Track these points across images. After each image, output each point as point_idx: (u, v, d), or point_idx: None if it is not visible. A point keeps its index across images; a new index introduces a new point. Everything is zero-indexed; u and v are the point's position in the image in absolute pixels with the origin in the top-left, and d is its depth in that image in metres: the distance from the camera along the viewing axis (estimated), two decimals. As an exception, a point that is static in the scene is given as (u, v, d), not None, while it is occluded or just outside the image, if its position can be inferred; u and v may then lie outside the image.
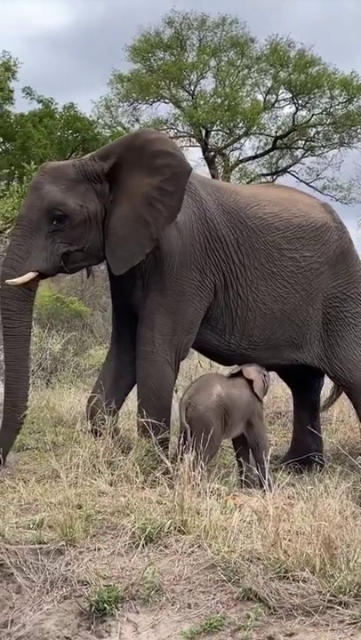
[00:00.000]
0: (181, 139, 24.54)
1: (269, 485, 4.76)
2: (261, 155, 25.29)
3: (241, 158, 25.29)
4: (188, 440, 5.18)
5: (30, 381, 8.73)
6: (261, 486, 4.95)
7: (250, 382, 5.61)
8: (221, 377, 5.81)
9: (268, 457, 5.32)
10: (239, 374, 5.68)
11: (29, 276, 5.48)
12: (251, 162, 25.45)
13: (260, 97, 24.42)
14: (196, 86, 24.07)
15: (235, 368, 5.83)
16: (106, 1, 41.87)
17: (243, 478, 5.44)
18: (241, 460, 5.62)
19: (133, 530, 4.18)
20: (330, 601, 3.56)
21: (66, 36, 39.75)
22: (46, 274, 5.68)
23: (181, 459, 4.80)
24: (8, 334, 5.63)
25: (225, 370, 6.56)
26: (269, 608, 3.57)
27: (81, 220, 5.56)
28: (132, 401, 6.43)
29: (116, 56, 39.56)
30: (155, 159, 5.57)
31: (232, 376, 5.72)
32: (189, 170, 5.70)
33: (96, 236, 5.64)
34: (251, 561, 3.85)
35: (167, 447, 5.50)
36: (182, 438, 5.28)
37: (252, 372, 5.68)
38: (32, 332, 10.16)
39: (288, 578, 3.71)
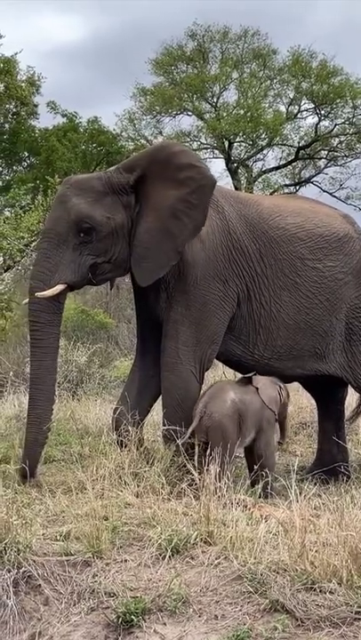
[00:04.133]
0: (205, 150, 24.63)
1: (273, 491, 4.87)
2: (284, 165, 25.29)
3: (264, 169, 25.32)
4: (203, 448, 5.23)
5: (57, 393, 8.84)
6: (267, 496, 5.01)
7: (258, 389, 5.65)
8: (233, 384, 5.83)
9: (275, 464, 5.33)
10: (249, 381, 5.70)
11: (59, 288, 5.50)
12: (274, 172, 25.48)
13: (282, 108, 24.49)
14: (218, 98, 24.17)
15: (244, 375, 5.84)
16: (120, 15, 42.23)
17: (269, 489, 5.42)
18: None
19: (160, 541, 4.18)
20: (357, 612, 3.54)
21: (81, 50, 40.11)
22: (75, 286, 5.71)
23: (207, 470, 4.79)
24: (37, 346, 5.63)
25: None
26: (296, 619, 3.56)
27: (108, 231, 5.59)
28: (157, 412, 6.45)
29: (132, 69, 39.91)
30: (180, 172, 5.60)
31: (241, 382, 5.74)
32: (214, 182, 5.72)
33: (123, 248, 5.66)
34: (277, 572, 3.84)
35: (193, 458, 5.50)
36: (197, 447, 5.30)
37: (261, 380, 5.70)
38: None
39: (315, 589, 3.70)
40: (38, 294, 5.46)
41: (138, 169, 5.66)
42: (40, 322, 5.59)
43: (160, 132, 24.40)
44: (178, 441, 5.30)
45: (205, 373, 5.96)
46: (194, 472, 5.00)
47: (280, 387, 5.81)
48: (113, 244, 5.63)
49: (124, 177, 5.67)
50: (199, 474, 4.96)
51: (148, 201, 5.65)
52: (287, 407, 6.02)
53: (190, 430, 5.34)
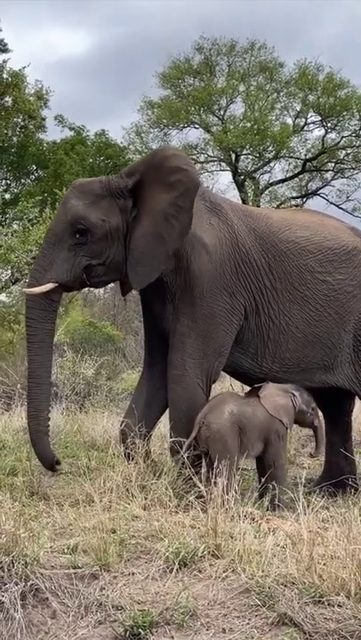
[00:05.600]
0: (212, 163, 24.73)
1: (283, 504, 4.90)
2: (291, 178, 25.36)
3: (271, 181, 25.39)
4: (204, 460, 5.28)
5: (64, 406, 8.87)
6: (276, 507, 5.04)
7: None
8: (236, 396, 5.84)
9: (286, 477, 5.30)
10: (257, 392, 5.70)
11: (48, 286, 5.60)
12: (281, 185, 25.55)
13: (289, 120, 24.60)
14: (225, 111, 24.28)
15: (255, 385, 5.84)
16: (125, 27, 42.52)
17: (276, 501, 5.40)
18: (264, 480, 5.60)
19: (167, 554, 4.17)
20: (366, 626, 3.53)
21: (84, 63, 40.40)
22: (67, 285, 5.77)
23: (214, 482, 4.79)
24: (30, 341, 5.78)
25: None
26: (305, 633, 3.55)
27: (102, 234, 5.65)
28: (164, 424, 6.44)
29: (136, 81, 40.10)
30: (169, 175, 5.65)
31: (250, 393, 5.73)
32: (198, 185, 5.76)
33: (118, 251, 5.72)
34: (285, 585, 3.83)
35: (199, 469, 5.50)
36: (197, 458, 5.34)
37: (268, 388, 5.68)
38: (66, 357, 10.34)
39: (323, 602, 3.69)
40: (25, 290, 5.61)
41: (136, 174, 5.75)
42: (32, 318, 5.74)
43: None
44: (181, 452, 5.31)
45: (212, 386, 5.96)
46: (200, 484, 5.01)
47: (293, 394, 5.75)
48: (107, 246, 5.69)
49: (124, 181, 5.75)
50: (205, 486, 4.96)
51: (145, 205, 5.71)
52: (310, 416, 5.88)
53: (189, 441, 5.35)
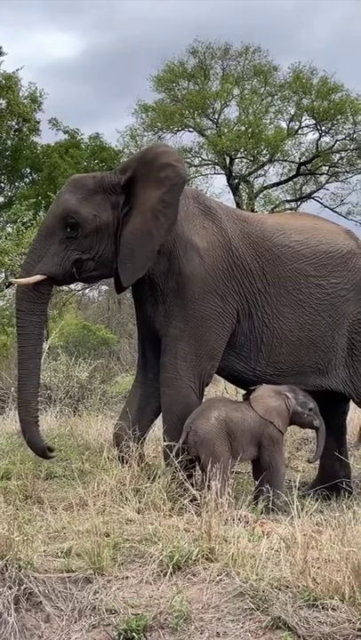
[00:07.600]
0: (206, 166, 24.74)
1: (277, 508, 4.89)
2: (285, 181, 25.37)
3: (265, 185, 25.40)
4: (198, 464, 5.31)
5: (58, 409, 8.86)
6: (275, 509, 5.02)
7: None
8: (225, 400, 5.83)
9: (283, 480, 5.28)
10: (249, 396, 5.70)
11: (36, 278, 5.65)
12: (275, 188, 25.55)
13: (283, 124, 24.61)
14: (219, 115, 24.31)
15: (250, 388, 5.83)
16: (117, 30, 42.56)
17: (270, 505, 5.39)
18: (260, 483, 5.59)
19: (161, 558, 4.16)
20: (360, 629, 3.52)
21: (77, 66, 40.47)
22: (57, 278, 5.80)
23: (208, 486, 4.79)
24: (19, 333, 5.86)
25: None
26: (299, 637, 3.54)
27: (92, 228, 5.69)
28: (158, 427, 6.44)
29: (129, 85, 40.14)
30: (159, 172, 5.68)
31: (244, 397, 5.74)
32: (185, 180, 5.79)
33: (108, 247, 5.75)
34: (279, 589, 3.83)
35: (192, 474, 5.49)
36: (190, 462, 5.35)
37: (259, 391, 5.67)
38: (60, 360, 10.32)
39: (317, 606, 3.68)
40: (12, 280, 5.63)
41: (129, 170, 5.78)
42: (21, 309, 5.81)
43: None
44: (177, 457, 5.30)
45: (206, 389, 5.95)
46: (192, 489, 5.01)
47: (286, 396, 5.72)
48: (97, 241, 5.72)
49: (117, 177, 5.79)
50: (199, 490, 4.96)
51: (137, 201, 5.74)
52: (308, 417, 5.81)
53: (177, 447, 5.35)
